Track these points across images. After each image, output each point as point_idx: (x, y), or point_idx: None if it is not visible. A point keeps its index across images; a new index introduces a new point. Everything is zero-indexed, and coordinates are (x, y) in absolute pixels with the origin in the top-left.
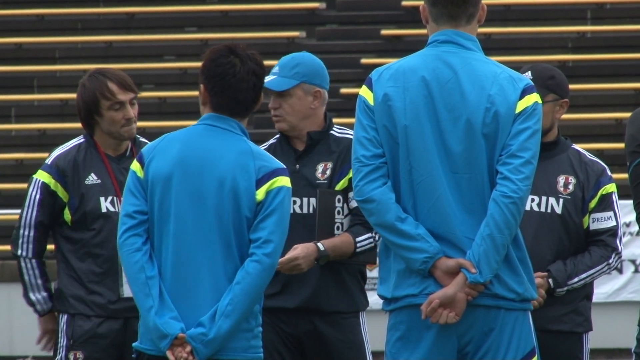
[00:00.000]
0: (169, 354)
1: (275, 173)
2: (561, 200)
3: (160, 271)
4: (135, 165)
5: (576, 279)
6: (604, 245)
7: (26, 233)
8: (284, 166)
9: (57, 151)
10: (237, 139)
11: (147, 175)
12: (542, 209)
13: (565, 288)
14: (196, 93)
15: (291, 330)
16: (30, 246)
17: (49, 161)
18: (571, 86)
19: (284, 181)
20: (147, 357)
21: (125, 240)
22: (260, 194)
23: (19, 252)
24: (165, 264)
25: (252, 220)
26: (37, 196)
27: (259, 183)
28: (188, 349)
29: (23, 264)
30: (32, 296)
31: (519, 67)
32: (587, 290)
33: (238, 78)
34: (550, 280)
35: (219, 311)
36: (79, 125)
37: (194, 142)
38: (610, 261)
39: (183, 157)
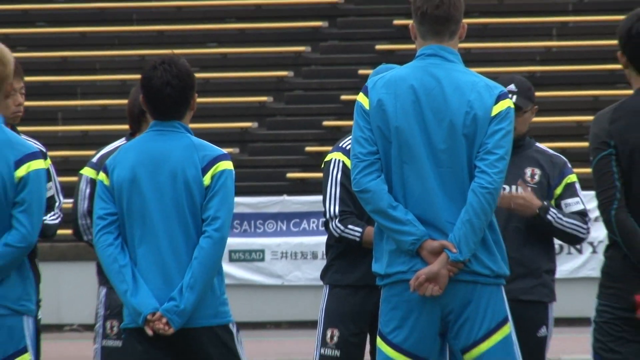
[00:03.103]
0: (146, 328)
1: (217, 159)
2: (528, 189)
3: (133, 259)
4: (101, 175)
5: (565, 219)
6: (574, 224)
7: (84, 222)
8: (225, 152)
9: (102, 150)
10: (181, 136)
11: (112, 182)
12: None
13: (552, 218)
14: (217, 99)
15: None
16: (91, 231)
17: (94, 159)
18: (538, 94)
19: (226, 165)
20: (130, 330)
21: (99, 238)
22: (206, 179)
23: (85, 238)
24: (136, 253)
25: (203, 207)
26: (87, 190)
27: (205, 170)
28: (164, 320)
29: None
30: None
31: (495, 77)
32: (551, 266)
33: (155, 89)
34: (545, 202)
35: (184, 285)
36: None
37: (146, 147)
38: (586, 227)
39: (139, 161)
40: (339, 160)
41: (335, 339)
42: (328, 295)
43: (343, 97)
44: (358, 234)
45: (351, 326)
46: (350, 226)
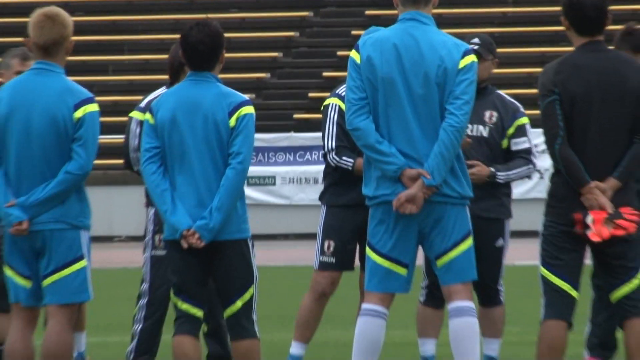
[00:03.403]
0: (182, 242)
1: (241, 104)
2: (487, 128)
3: (173, 185)
4: (147, 116)
5: (511, 173)
6: (524, 159)
7: (134, 155)
8: (248, 98)
9: (148, 97)
10: (212, 85)
11: (156, 121)
12: (474, 133)
13: (504, 177)
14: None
15: None
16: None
17: (142, 104)
18: (497, 50)
19: (248, 109)
20: (169, 242)
21: (145, 167)
22: (232, 121)
23: (135, 168)
24: (175, 180)
25: (230, 143)
26: (137, 129)
27: (231, 114)
28: (197, 235)
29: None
30: None
31: (462, 37)
32: (508, 191)
33: (192, 44)
34: (492, 169)
35: (213, 207)
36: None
37: (184, 93)
38: (530, 166)
39: (178, 105)
40: (336, 104)
41: (332, 248)
42: (325, 213)
43: (339, 52)
44: (350, 164)
45: (344, 238)
46: (344, 157)
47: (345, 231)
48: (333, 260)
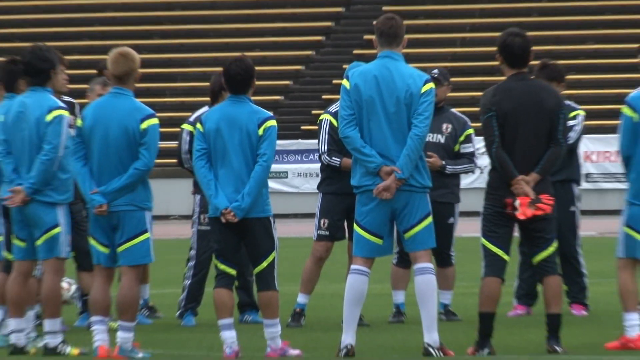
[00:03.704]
0: (221, 218)
1: (266, 119)
2: (444, 136)
3: (215, 176)
4: (198, 126)
5: (458, 167)
6: (468, 159)
7: (185, 157)
8: (272, 114)
9: (195, 114)
10: (246, 105)
11: (205, 130)
12: (433, 140)
13: (451, 169)
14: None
15: None
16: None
17: (191, 119)
18: (451, 79)
19: (272, 123)
20: (212, 218)
21: (196, 163)
22: (260, 131)
23: (185, 166)
24: (218, 173)
25: (258, 146)
26: (187, 138)
27: (259, 126)
28: (232, 213)
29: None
30: None
31: (424, 69)
32: (457, 181)
33: (232, 75)
34: (444, 162)
35: (245, 193)
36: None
37: (225, 110)
38: (472, 164)
39: (221, 118)
40: (327, 119)
41: (326, 224)
42: (321, 198)
43: (334, 81)
44: (338, 162)
45: (335, 217)
46: (333, 157)
47: (336, 212)
48: (327, 233)
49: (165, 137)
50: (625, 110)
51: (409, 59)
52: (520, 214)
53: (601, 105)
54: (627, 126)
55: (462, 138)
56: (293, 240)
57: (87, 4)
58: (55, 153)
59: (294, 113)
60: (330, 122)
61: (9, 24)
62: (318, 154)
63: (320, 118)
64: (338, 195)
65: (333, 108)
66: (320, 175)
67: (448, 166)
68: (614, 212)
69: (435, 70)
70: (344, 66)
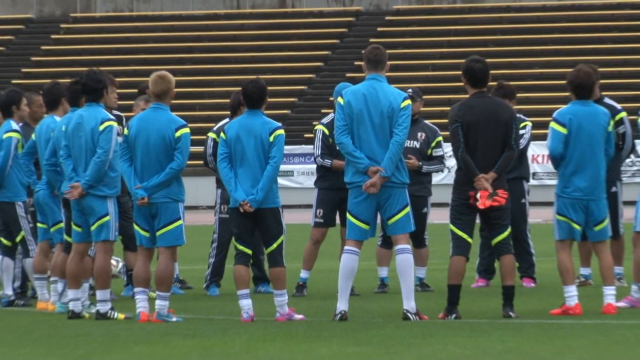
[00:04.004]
0: (240, 208)
1: (276, 129)
2: (419, 142)
3: (235, 174)
4: (222, 134)
5: (431, 167)
6: (439, 161)
7: (209, 159)
8: (281, 125)
9: (218, 124)
10: (261, 117)
11: (227, 137)
12: (411, 146)
13: (426, 169)
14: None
15: None
16: (213, 163)
17: (215, 128)
18: (423, 97)
19: (281, 132)
20: (232, 209)
21: (220, 164)
22: (271, 138)
23: (210, 166)
24: (237, 171)
25: (269, 150)
26: (211, 144)
27: (270, 134)
28: (248, 205)
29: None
30: None
31: (402, 88)
32: (430, 178)
33: (249, 93)
34: (421, 163)
35: (259, 188)
36: (223, 113)
37: (243, 121)
38: (442, 165)
39: (240, 128)
40: (321, 129)
41: (321, 214)
42: (317, 192)
43: (330, 98)
44: (329, 163)
45: (328, 207)
46: (325, 159)
47: (329, 203)
48: (322, 220)
49: (194, 143)
50: (554, 124)
51: (390, 80)
52: (480, 205)
53: (545, 118)
54: (557, 137)
55: (433, 144)
56: (297, 226)
57: (133, 37)
58: (106, 156)
59: (298, 124)
60: (323, 131)
61: (73, 53)
62: (313, 157)
63: (315, 128)
64: (331, 190)
65: (325, 120)
66: (316, 174)
67: (424, 167)
68: (552, 204)
69: (410, 90)
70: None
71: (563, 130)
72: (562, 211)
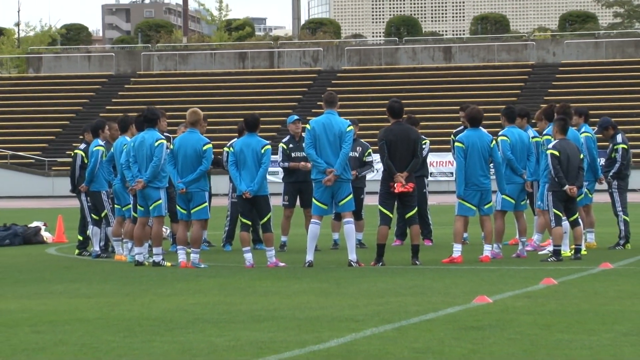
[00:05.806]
0: (243, 195)
1: (265, 145)
2: (357, 152)
3: (240, 173)
4: (230, 149)
5: (364, 171)
6: (370, 165)
7: (225, 163)
8: (269, 142)
9: (230, 142)
10: (256, 137)
11: (234, 150)
12: (352, 155)
13: (360, 172)
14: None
15: None
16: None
17: (228, 144)
18: (360, 125)
19: (268, 147)
20: (238, 196)
21: (230, 166)
22: (262, 150)
23: (225, 167)
24: (241, 172)
25: (261, 158)
26: (226, 154)
27: (262, 148)
28: (248, 193)
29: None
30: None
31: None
32: (365, 177)
33: (248, 122)
34: (357, 170)
35: (254, 182)
36: (232, 134)
37: (245, 140)
38: (372, 168)
39: (243, 144)
40: (282, 146)
41: (286, 199)
42: (284, 185)
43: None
44: (287, 166)
45: (291, 195)
46: (285, 163)
47: (292, 192)
48: (288, 203)
49: (215, 154)
50: (458, 144)
51: (340, 113)
52: (396, 190)
53: (440, 137)
54: (460, 152)
55: (366, 154)
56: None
57: (177, 86)
58: (159, 162)
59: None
60: (283, 147)
61: (139, 96)
62: (277, 162)
63: (280, 145)
64: (293, 183)
65: (285, 139)
66: (282, 173)
67: (359, 173)
68: (443, 193)
69: (349, 120)
70: (309, 118)
71: (464, 147)
72: (465, 198)
